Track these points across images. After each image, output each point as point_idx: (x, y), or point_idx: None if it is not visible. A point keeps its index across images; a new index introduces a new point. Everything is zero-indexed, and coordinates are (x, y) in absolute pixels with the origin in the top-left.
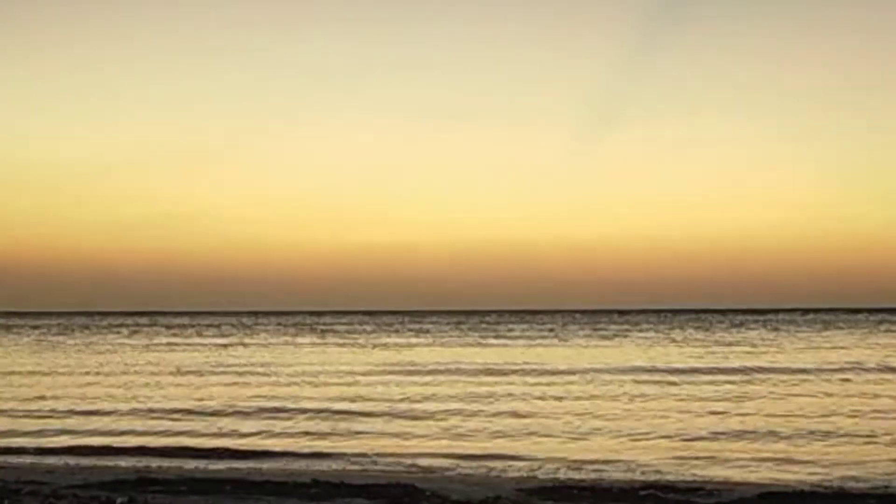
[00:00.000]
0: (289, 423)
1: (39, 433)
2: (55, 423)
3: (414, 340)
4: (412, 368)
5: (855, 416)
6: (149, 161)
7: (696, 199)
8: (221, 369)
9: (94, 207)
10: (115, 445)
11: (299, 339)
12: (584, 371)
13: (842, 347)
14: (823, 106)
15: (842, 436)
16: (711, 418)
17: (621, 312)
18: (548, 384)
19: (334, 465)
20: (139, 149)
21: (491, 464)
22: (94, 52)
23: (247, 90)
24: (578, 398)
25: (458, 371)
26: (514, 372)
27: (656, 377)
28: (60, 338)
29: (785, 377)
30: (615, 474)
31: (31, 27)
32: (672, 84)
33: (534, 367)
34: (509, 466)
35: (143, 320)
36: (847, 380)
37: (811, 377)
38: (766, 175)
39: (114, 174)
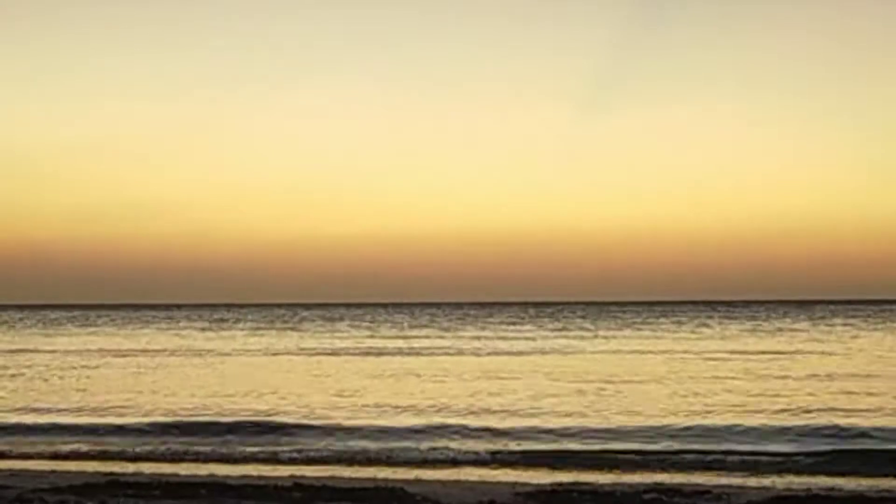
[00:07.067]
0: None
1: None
2: (22, 422)
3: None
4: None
5: None
6: (112, 143)
7: (708, 183)
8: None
9: (53, 193)
10: (84, 448)
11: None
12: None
13: None
14: (850, 84)
15: None
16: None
17: (637, 303)
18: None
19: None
20: (101, 130)
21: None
22: (51, 25)
23: (221, 67)
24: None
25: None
26: None
27: None
28: (32, 331)
29: None
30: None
31: None
32: (686, 56)
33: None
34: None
35: (106, 313)
36: None
37: None
38: (784, 156)
39: (76, 158)
